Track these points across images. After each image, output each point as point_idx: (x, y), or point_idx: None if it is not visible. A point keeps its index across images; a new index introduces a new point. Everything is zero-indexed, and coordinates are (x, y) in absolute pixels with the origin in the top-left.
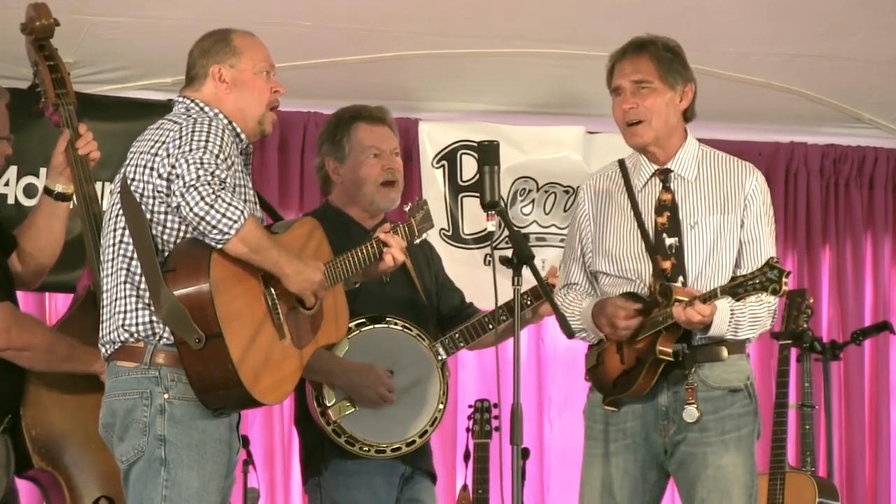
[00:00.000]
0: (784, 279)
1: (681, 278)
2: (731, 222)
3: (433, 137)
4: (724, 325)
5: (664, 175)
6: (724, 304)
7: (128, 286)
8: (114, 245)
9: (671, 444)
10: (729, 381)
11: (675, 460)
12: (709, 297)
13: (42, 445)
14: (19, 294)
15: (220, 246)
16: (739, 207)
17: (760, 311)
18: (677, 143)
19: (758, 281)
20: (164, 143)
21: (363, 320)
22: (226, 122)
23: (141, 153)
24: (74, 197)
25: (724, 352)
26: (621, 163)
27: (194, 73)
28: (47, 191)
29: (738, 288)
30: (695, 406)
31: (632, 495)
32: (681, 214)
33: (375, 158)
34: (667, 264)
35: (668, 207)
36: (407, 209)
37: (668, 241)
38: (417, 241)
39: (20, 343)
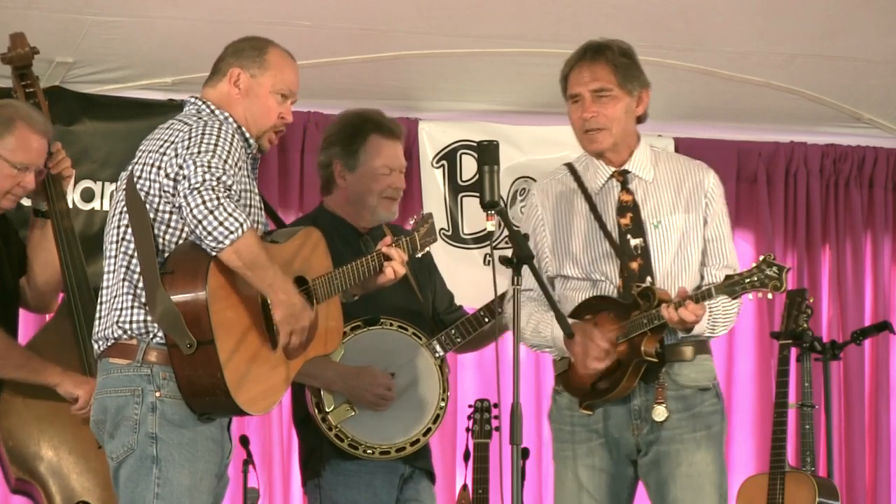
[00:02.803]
0: (784, 275)
1: (648, 278)
2: (694, 221)
3: (433, 137)
4: (705, 324)
5: (623, 176)
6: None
7: (126, 284)
8: (116, 242)
9: (644, 444)
10: (697, 381)
11: (648, 460)
12: (702, 297)
13: (18, 456)
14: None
15: (214, 253)
16: (701, 206)
17: (731, 309)
18: (632, 145)
19: (756, 279)
20: (172, 142)
21: (358, 323)
22: (235, 126)
23: (149, 152)
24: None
25: (690, 351)
26: (570, 166)
27: (218, 67)
28: (34, 212)
29: (735, 286)
30: (664, 405)
31: (609, 492)
32: (643, 214)
33: (385, 175)
34: (634, 265)
35: (629, 208)
36: (411, 222)
37: (633, 241)
38: (420, 254)
39: None
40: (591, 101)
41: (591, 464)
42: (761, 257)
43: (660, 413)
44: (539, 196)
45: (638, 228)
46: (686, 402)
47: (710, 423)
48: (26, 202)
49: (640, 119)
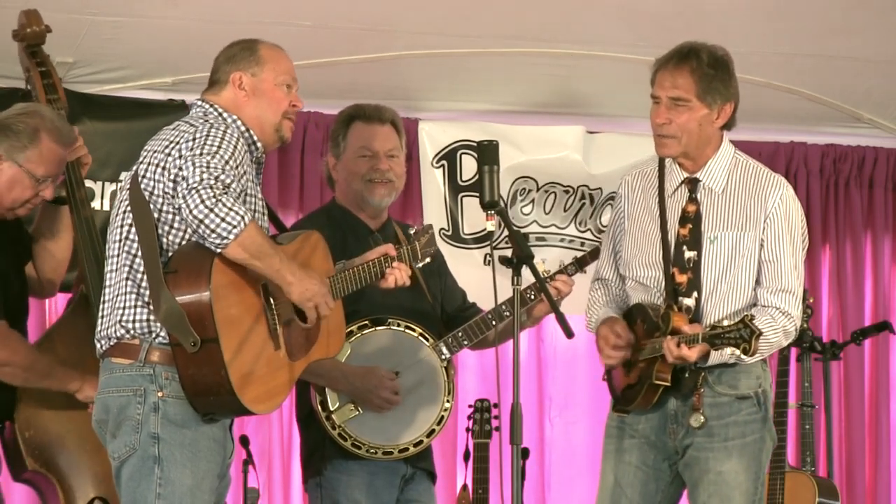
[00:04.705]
0: (754, 340)
1: (695, 294)
2: (749, 239)
3: (433, 137)
4: (724, 355)
5: (692, 185)
6: None
7: (129, 283)
8: (119, 241)
9: (681, 447)
10: (737, 389)
11: (683, 462)
12: (690, 341)
13: (35, 447)
14: None
15: (219, 250)
16: (759, 226)
17: (771, 336)
18: (710, 153)
19: (732, 336)
20: (177, 143)
21: (365, 322)
22: (242, 129)
23: (154, 152)
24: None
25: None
26: (661, 160)
27: (216, 78)
28: None
29: (715, 339)
30: (701, 412)
31: (643, 492)
32: (703, 227)
33: (364, 158)
34: (683, 278)
35: (691, 219)
36: (412, 232)
37: (688, 254)
38: (420, 264)
39: (1, 358)
40: (666, 106)
41: (629, 461)
42: (743, 316)
43: (696, 419)
44: (625, 189)
45: (695, 241)
46: (721, 409)
47: (746, 433)
48: None
49: (725, 126)
